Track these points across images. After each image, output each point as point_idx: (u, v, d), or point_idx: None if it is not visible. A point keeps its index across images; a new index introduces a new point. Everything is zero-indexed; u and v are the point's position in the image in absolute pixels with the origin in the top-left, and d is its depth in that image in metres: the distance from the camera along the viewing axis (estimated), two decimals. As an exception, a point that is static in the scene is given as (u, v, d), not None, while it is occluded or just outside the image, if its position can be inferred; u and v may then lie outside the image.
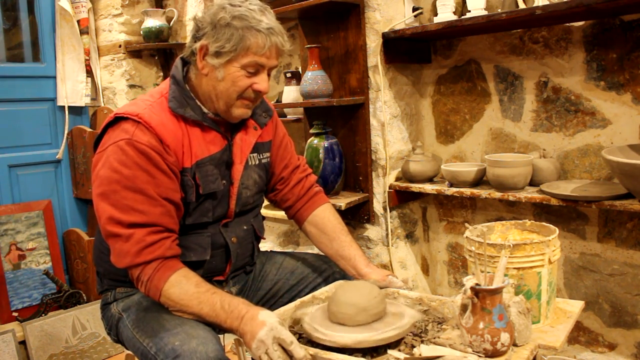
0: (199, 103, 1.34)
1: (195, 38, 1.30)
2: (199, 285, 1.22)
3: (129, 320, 1.32)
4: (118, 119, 1.26)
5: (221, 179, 1.36)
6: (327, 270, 1.55)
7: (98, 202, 1.23)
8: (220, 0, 1.29)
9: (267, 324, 1.10)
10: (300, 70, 2.36)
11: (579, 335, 1.98)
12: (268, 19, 1.27)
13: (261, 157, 1.48)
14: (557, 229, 1.28)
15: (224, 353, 1.16)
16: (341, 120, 2.22)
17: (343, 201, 2.07)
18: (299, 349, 1.08)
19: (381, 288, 1.32)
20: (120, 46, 2.87)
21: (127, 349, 1.36)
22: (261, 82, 1.31)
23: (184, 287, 1.21)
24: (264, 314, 1.14)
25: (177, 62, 1.36)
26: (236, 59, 1.26)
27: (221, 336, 1.31)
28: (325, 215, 1.55)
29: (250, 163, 1.44)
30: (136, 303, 1.35)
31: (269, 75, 1.35)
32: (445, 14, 1.99)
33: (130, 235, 1.20)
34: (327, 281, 1.51)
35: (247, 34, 1.24)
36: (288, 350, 1.08)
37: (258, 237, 1.54)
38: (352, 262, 1.45)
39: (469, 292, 1.06)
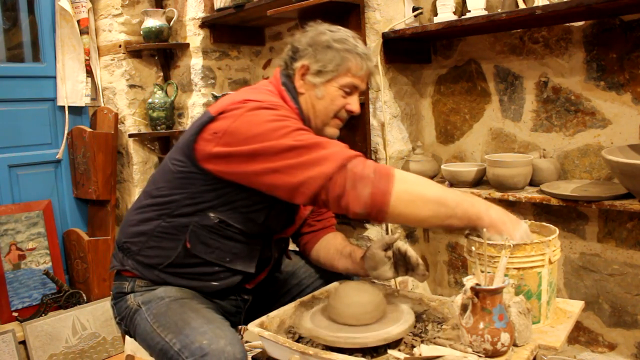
0: None
1: (292, 59, 1.35)
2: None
3: (148, 314, 1.29)
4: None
5: None
6: (328, 271, 1.54)
7: (266, 146, 1.15)
8: (316, 27, 1.36)
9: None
10: (300, 70, 2.35)
11: (579, 335, 1.98)
12: (362, 45, 1.35)
13: None
14: (557, 229, 1.28)
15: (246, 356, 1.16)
16: (341, 120, 2.22)
17: (343, 201, 2.07)
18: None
19: (385, 249, 1.31)
20: (120, 46, 2.86)
21: (137, 341, 1.33)
22: (354, 103, 1.37)
23: (412, 175, 1.20)
24: None
25: (282, 74, 1.39)
26: (336, 78, 1.32)
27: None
28: (329, 241, 1.54)
29: None
30: (158, 298, 1.32)
31: None
32: (445, 14, 1.99)
33: (323, 146, 1.15)
34: (328, 283, 1.50)
35: (348, 56, 1.31)
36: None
37: (286, 253, 1.58)
38: (353, 254, 1.44)
39: (469, 292, 1.06)
